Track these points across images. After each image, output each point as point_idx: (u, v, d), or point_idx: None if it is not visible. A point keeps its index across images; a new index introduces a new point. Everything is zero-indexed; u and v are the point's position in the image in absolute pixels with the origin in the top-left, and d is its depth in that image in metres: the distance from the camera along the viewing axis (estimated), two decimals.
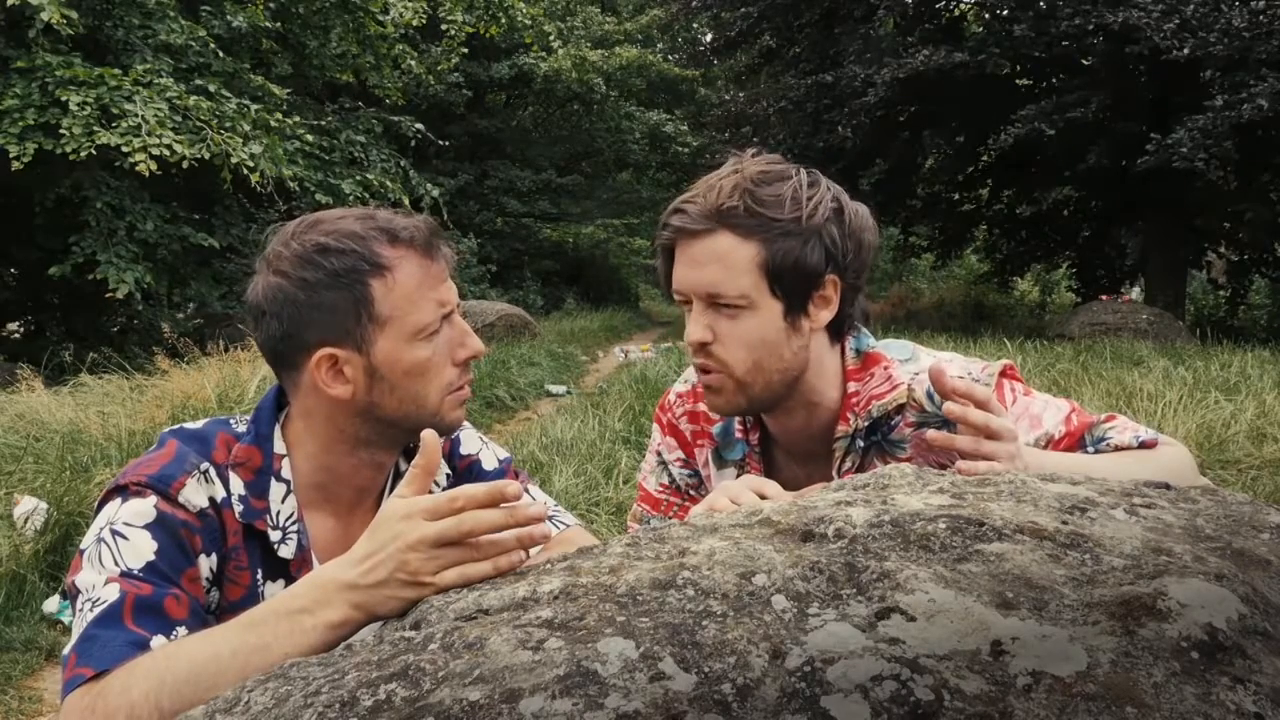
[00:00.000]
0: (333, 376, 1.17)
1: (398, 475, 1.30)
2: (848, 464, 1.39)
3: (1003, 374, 1.36)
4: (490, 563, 0.92)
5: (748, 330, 1.30)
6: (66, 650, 1.03)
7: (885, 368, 1.38)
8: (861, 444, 1.38)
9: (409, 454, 1.31)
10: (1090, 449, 1.28)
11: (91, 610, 1.04)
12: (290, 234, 1.18)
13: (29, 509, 4.59)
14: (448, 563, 0.91)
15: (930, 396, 1.35)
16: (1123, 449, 1.26)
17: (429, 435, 0.95)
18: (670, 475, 1.56)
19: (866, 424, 1.37)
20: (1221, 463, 5.55)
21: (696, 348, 1.33)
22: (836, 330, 1.37)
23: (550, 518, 1.33)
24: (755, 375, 1.32)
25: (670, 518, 1.53)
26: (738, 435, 1.49)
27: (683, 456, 1.55)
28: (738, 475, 1.49)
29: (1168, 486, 0.96)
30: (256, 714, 0.70)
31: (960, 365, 1.38)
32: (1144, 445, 1.26)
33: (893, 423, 1.37)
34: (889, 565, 0.73)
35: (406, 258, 1.17)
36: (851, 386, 1.38)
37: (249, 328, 1.23)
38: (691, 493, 1.54)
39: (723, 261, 1.28)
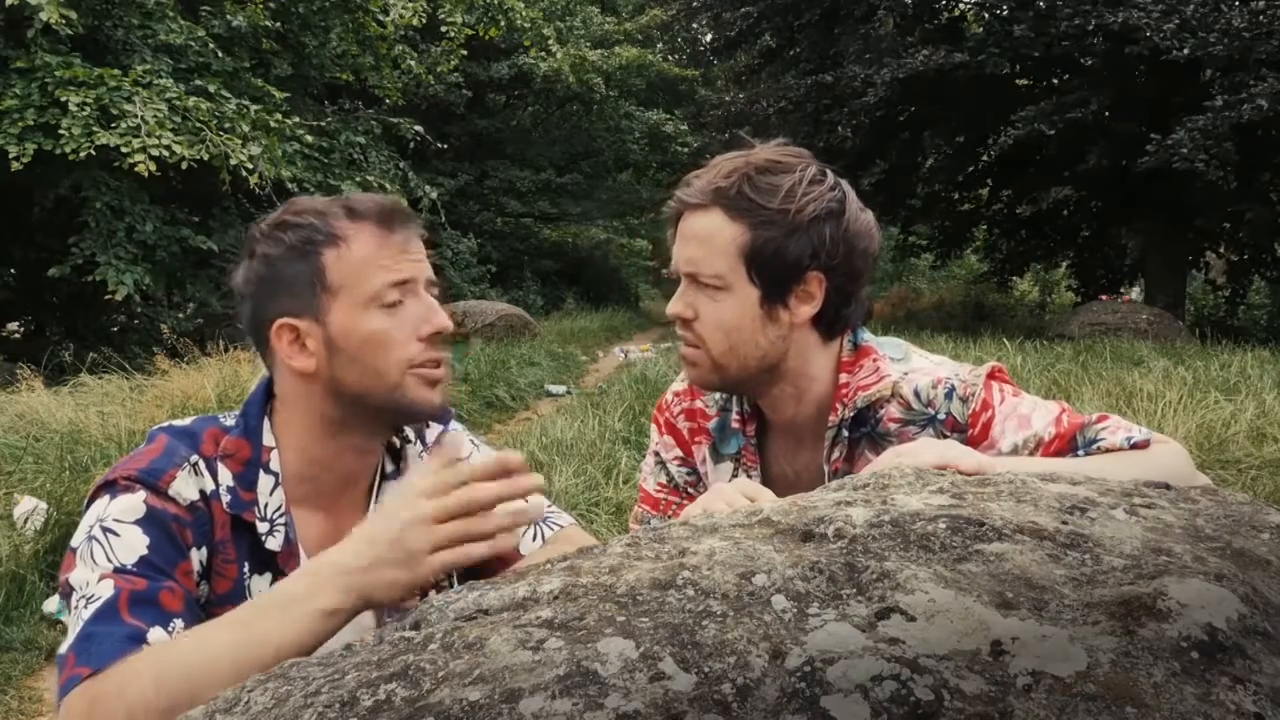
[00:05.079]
0: (297, 349, 1.19)
1: (384, 475, 1.30)
2: (836, 453, 1.41)
3: (990, 376, 1.37)
4: (488, 544, 0.92)
5: (723, 312, 1.33)
6: (63, 649, 1.03)
7: (874, 360, 1.40)
8: (848, 434, 1.40)
9: (394, 453, 1.31)
10: (1081, 451, 1.28)
11: (86, 607, 1.04)
12: (267, 219, 1.22)
13: (29, 509, 4.60)
14: (444, 538, 0.92)
15: (917, 395, 1.36)
16: (1113, 451, 1.26)
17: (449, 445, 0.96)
18: (668, 474, 1.57)
19: (852, 414, 1.38)
20: (1221, 463, 5.55)
21: (677, 322, 1.37)
22: (827, 328, 1.38)
23: (544, 519, 1.34)
24: (729, 358, 1.35)
25: (670, 517, 1.53)
26: (734, 426, 1.50)
27: (680, 455, 1.56)
28: (734, 469, 1.51)
29: (1167, 486, 0.96)
30: (256, 714, 0.70)
31: (949, 369, 1.39)
32: (1135, 446, 1.25)
33: (878, 415, 1.38)
34: (889, 565, 0.74)
35: (362, 229, 1.19)
36: (843, 378, 1.40)
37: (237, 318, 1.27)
38: (690, 490, 1.55)
39: (707, 240, 1.32)
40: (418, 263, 1.22)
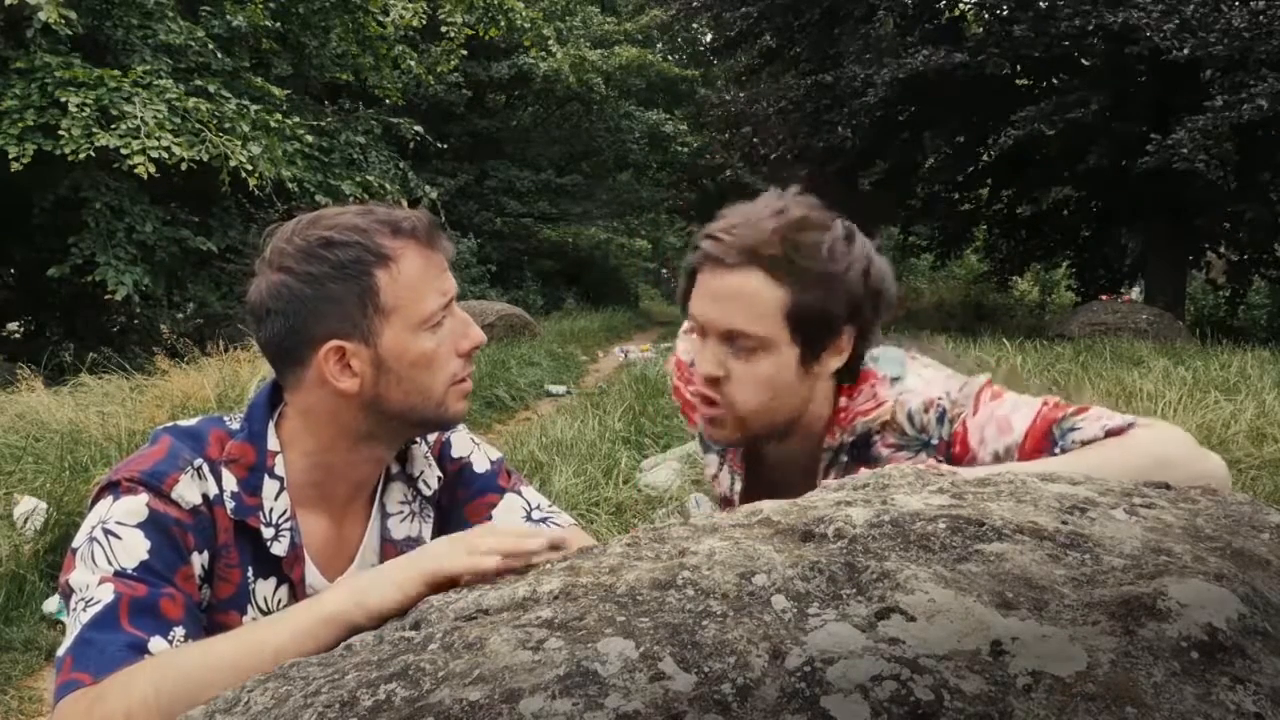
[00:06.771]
0: (340, 369, 1.17)
1: (388, 477, 1.30)
2: (830, 477, 1.39)
3: (979, 393, 1.36)
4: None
5: (761, 371, 1.31)
6: (61, 652, 1.02)
7: (872, 385, 1.39)
8: (845, 459, 1.39)
9: (400, 455, 1.31)
10: (1059, 445, 1.26)
11: (85, 611, 1.03)
12: (291, 232, 1.18)
13: (29, 509, 4.60)
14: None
15: (910, 419, 1.35)
16: (1091, 443, 1.23)
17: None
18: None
19: (850, 439, 1.38)
20: None
21: (707, 381, 1.33)
22: (847, 374, 1.38)
23: (545, 519, 1.34)
24: (759, 416, 1.33)
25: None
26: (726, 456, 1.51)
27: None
28: (719, 463, 1.53)
29: (1168, 486, 0.96)
30: (256, 714, 0.70)
31: (941, 386, 1.38)
32: (1111, 433, 1.23)
33: (872, 440, 1.38)
34: (889, 565, 0.73)
35: (409, 248, 1.17)
36: (841, 402, 1.39)
37: (250, 329, 1.23)
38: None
39: (749, 301, 1.28)
40: (451, 277, 1.22)
